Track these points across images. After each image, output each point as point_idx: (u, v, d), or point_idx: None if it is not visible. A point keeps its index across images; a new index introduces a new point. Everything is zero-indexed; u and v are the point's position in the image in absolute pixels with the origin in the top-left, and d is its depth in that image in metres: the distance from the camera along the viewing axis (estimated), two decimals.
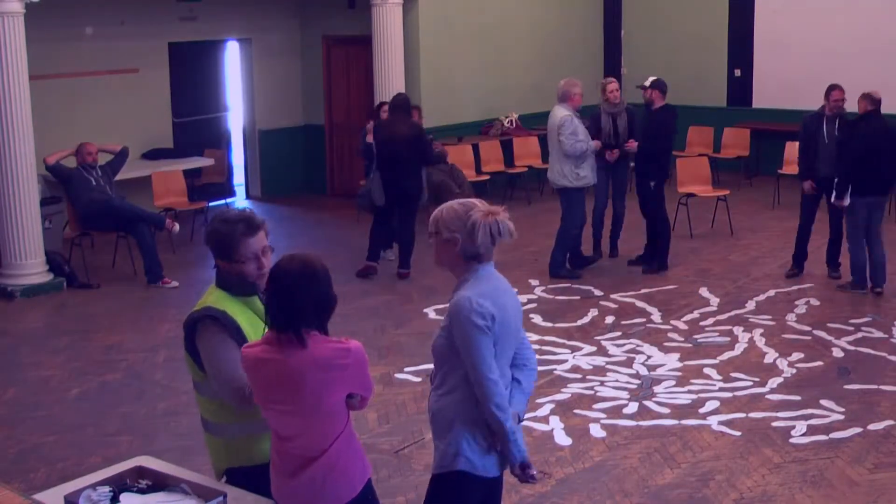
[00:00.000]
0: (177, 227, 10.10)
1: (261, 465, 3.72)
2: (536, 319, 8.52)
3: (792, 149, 13.04)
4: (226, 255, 3.74)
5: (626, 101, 10.28)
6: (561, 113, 9.45)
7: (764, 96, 14.74)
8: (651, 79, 9.80)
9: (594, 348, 7.86)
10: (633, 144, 9.83)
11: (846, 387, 6.98)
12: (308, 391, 3.40)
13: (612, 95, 10.02)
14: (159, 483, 3.70)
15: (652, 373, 7.32)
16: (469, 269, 3.70)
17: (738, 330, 8.21)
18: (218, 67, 13.88)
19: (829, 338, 7.98)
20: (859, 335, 8.02)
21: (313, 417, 3.44)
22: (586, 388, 7.05)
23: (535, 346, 7.31)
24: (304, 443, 3.47)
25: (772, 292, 9.18)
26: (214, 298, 3.76)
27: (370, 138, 10.25)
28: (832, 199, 8.97)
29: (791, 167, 12.93)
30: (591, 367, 7.45)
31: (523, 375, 3.85)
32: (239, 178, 14.33)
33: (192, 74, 13.45)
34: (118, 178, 11.26)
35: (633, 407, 6.72)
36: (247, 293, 3.78)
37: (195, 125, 13.30)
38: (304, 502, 3.51)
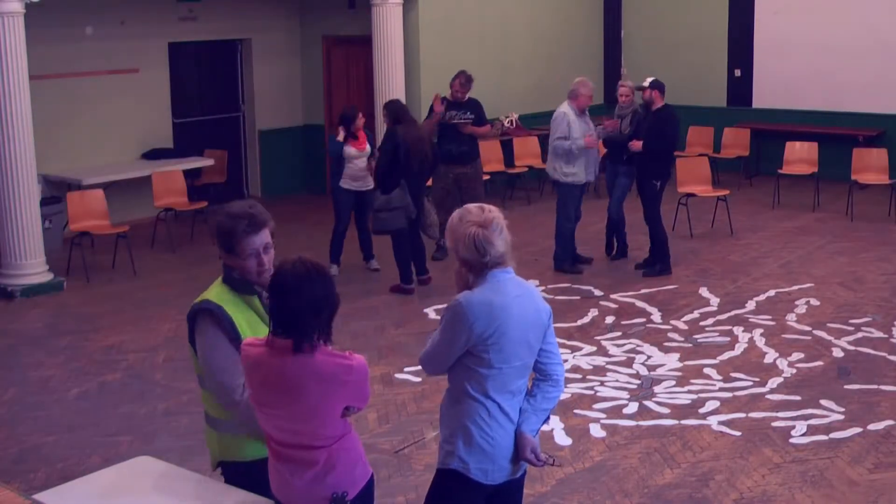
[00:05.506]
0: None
1: (252, 461, 3.75)
2: None
3: (792, 149, 13.10)
4: (227, 248, 3.76)
5: (636, 104, 10.27)
6: (561, 110, 9.65)
7: (764, 96, 14.73)
8: (649, 79, 9.81)
9: (594, 348, 7.86)
10: (636, 144, 9.80)
11: (846, 387, 6.98)
12: (306, 400, 3.38)
13: (621, 98, 10.13)
14: None
15: (652, 373, 7.32)
16: (474, 275, 3.70)
17: (738, 330, 8.20)
18: (220, 68, 13.85)
19: (829, 338, 7.97)
20: (859, 335, 8.01)
21: (306, 424, 3.43)
22: (586, 388, 7.05)
23: None
24: (300, 445, 3.46)
25: (772, 292, 9.17)
26: (216, 293, 3.78)
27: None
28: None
29: (791, 167, 13.00)
30: (591, 367, 7.45)
31: (540, 389, 3.78)
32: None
33: (194, 74, 13.45)
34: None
35: (633, 407, 6.72)
36: (248, 292, 3.78)
37: (196, 125, 13.28)
38: (302, 503, 3.51)
